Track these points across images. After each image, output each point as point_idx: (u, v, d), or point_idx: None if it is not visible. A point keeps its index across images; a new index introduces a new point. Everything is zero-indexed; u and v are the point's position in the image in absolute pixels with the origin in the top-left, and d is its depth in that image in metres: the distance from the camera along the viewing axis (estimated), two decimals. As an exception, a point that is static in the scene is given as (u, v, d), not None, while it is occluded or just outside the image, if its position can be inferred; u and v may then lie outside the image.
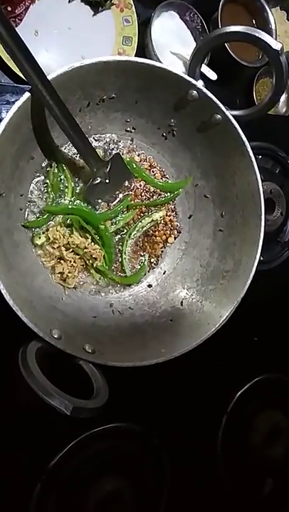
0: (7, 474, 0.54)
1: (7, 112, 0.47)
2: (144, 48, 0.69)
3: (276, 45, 0.54)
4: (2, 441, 0.55)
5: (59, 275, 0.58)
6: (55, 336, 0.48)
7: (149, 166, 0.65)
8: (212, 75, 0.69)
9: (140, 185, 0.64)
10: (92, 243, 0.59)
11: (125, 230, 0.63)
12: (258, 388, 0.73)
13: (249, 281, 0.57)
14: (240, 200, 0.61)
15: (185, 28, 0.73)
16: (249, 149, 0.57)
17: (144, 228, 0.64)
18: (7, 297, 0.45)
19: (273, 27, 0.76)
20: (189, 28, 0.73)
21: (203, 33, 0.72)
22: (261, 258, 0.59)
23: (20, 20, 0.62)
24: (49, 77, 0.47)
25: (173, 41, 0.71)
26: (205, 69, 0.68)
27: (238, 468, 0.70)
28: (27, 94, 0.47)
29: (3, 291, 0.45)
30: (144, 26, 0.69)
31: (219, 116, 0.56)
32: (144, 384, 0.60)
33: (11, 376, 0.50)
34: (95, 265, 0.60)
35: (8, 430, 0.55)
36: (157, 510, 0.60)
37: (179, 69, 0.69)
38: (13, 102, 0.47)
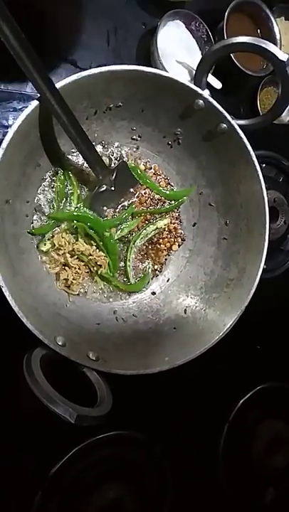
0: (9, 481, 0.54)
1: (14, 119, 0.47)
2: (149, 56, 0.70)
3: (283, 55, 0.54)
4: (5, 447, 0.55)
5: (63, 282, 0.58)
6: (60, 343, 0.49)
7: (154, 174, 0.66)
8: (217, 84, 0.69)
9: (145, 193, 0.64)
10: (97, 250, 0.59)
11: (130, 238, 0.63)
12: (261, 397, 0.73)
13: (253, 290, 0.58)
14: (245, 208, 0.61)
15: (190, 38, 0.73)
16: (254, 158, 0.57)
17: (149, 236, 0.64)
18: (13, 304, 0.45)
19: (278, 37, 0.76)
20: (195, 37, 0.73)
21: (209, 43, 0.72)
22: (264, 266, 0.59)
23: None
24: (57, 86, 0.48)
25: (178, 50, 0.72)
26: (210, 78, 0.68)
27: (239, 476, 0.70)
28: (35, 102, 0.48)
29: (9, 298, 0.45)
30: (150, 35, 0.69)
31: (225, 125, 0.57)
32: (146, 392, 0.60)
33: (16, 383, 0.50)
34: (99, 272, 0.60)
35: (12, 436, 0.55)
36: (159, 518, 0.60)
37: (184, 78, 0.69)
38: (20, 109, 0.48)
